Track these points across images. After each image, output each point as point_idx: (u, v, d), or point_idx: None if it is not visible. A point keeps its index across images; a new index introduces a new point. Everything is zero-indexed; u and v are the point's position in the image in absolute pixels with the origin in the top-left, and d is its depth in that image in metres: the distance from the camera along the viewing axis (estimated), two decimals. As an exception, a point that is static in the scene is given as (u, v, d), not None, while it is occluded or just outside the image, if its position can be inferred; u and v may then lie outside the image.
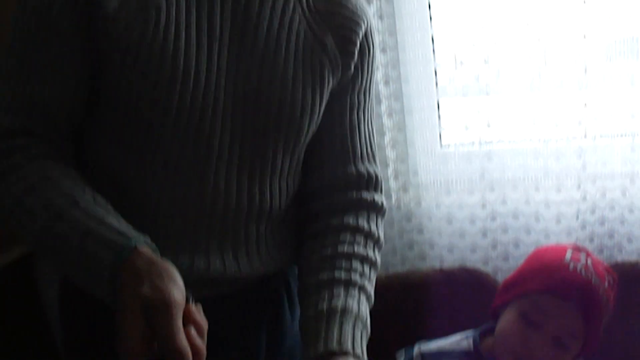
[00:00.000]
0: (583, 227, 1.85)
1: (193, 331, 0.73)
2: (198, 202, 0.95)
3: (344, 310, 0.91)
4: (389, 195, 1.99)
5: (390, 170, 1.99)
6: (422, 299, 1.81)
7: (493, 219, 2.00)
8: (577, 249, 1.42)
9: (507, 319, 1.38)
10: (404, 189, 2.04)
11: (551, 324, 1.31)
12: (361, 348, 0.89)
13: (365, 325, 0.94)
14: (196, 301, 0.81)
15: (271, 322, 1.20)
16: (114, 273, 0.74)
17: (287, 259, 1.13)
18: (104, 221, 0.79)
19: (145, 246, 0.76)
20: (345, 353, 0.86)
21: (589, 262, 1.39)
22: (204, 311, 1.08)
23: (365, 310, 0.95)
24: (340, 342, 0.87)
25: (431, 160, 2.01)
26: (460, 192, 1.99)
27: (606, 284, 1.38)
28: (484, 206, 1.98)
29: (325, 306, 0.92)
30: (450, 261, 1.96)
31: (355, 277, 0.96)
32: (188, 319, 0.73)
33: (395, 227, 2.04)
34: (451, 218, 2.01)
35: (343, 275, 0.96)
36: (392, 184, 2.00)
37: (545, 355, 1.34)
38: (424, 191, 2.03)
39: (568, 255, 1.39)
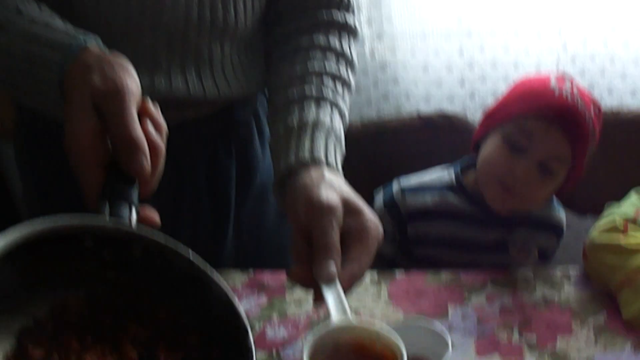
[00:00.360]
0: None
1: (150, 125, 0.67)
2: (156, 16, 0.88)
3: (316, 123, 0.86)
4: (363, 44, 1.91)
5: (363, 17, 1.90)
6: (399, 145, 1.76)
7: (471, 68, 1.93)
8: (562, 76, 1.37)
9: (490, 147, 1.33)
10: (379, 37, 1.95)
11: (537, 148, 1.27)
12: (335, 159, 0.83)
13: (339, 140, 0.88)
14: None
15: (240, 155, 1.14)
16: (63, 73, 0.68)
17: (255, 85, 1.08)
18: (50, 25, 0.73)
19: (96, 45, 0.70)
20: (318, 163, 0.80)
21: (575, 89, 1.33)
22: (169, 138, 1.04)
23: (338, 125, 0.90)
24: (312, 151, 0.81)
25: (406, 6, 1.92)
26: (436, 38, 1.91)
27: (592, 111, 1.33)
28: (461, 53, 1.91)
29: (295, 121, 0.87)
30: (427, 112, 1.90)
31: (327, 93, 0.91)
32: (144, 113, 0.67)
33: (370, 77, 1.97)
34: (427, 66, 1.95)
35: (314, 91, 0.91)
36: (366, 31, 1.92)
37: (531, 180, 1.30)
38: (399, 40, 1.94)
39: (553, 81, 1.34)
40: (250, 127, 1.09)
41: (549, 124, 1.28)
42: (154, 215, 0.70)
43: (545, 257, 1.43)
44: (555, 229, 1.42)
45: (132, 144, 0.64)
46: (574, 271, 1.24)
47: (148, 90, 0.94)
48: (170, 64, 0.92)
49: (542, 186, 1.31)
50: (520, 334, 1.12)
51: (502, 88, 1.81)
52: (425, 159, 1.56)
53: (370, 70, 1.95)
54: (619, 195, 1.30)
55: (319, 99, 0.90)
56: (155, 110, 0.71)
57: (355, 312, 1.18)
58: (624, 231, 1.19)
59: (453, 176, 1.42)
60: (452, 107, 1.93)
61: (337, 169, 0.82)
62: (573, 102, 1.30)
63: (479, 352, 1.08)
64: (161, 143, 0.70)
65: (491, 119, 1.37)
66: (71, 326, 0.63)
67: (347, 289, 0.70)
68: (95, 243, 0.65)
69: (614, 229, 1.20)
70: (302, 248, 0.74)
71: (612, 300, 1.16)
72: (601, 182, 1.78)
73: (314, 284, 0.70)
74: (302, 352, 0.66)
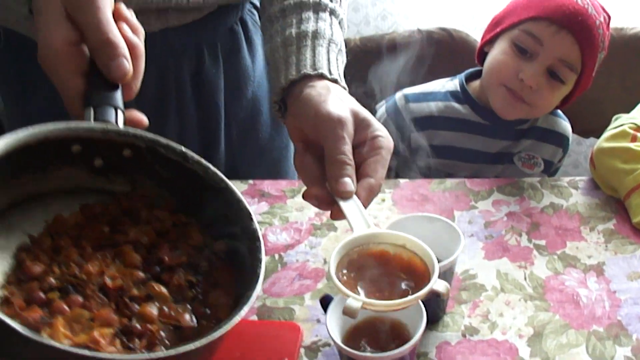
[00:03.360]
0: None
1: (126, 27, 0.64)
2: None
3: (316, 34, 0.82)
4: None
5: None
6: (398, 59, 1.70)
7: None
8: (572, -18, 1.31)
9: (497, 52, 1.29)
10: (378, -48, 1.89)
11: (546, 52, 1.23)
12: (338, 71, 0.80)
13: (340, 50, 0.84)
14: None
15: (228, 64, 1.10)
16: None
17: None
18: None
19: None
20: (321, 75, 0.76)
21: (585, -6, 1.28)
22: (153, 45, 0.99)
23: (338, 34, 0.85)
24: (314, 64, 0.77)
25: None
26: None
27: (602, 17, 1.28)
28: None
29: (293, 31, 0.82)
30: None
31: (325, 0, 0.85)
32: (119, 18, 0.64)
33: (368, -5, 1.91)
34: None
35: None
36: (365, -54, 1.85)
37: (539, 86, 1.26)
38: (399, -44, 1.88)
39: (563, -15, 1.28)
40: (237, 35, 1.05)
41: (558, 27, 1.23)
42: (141, 117, 0.68)
43: (550, 170, 1.40)
44: (561, 140, 1.39)
45: (110, 47, 0.63)
46: (581, 180, 1.21)
47: None
48: None
49: (550, 92, 1.28)
50: (529, 239, 1.09)
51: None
52: (426, 74, 1.51)
53: (368, -13, 1.88)
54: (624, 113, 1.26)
55: (317, 7, 0.86)
56: (130, 14, 0.68)
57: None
58: (634, 137, 1.16)
59: (457, 82, 1.38)
60: (452, 27, 1.87)
61: (341, 81, 0.79)
62: (583, 5, 1.25)
63: (488, 255, 1.06)
64: (140, 44, 0.67)
65: (498, 25, 1.32)
66: (69, 239, 0.62)
67: (365, 203, 0.68)
68: (83, 149, 0.64)
69: (623, 134, 1.17)
70: (311, 166, 0.71)
71: (621, 206, 1.14)
72: (604, 102, 1.75)
73: (331, 201, 0.68)
74: (328, 261, 0.63)
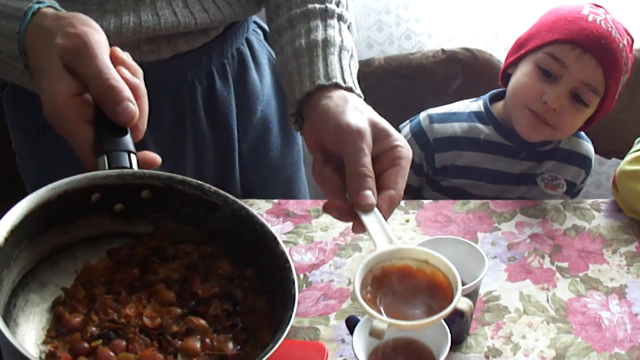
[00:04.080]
0: None
1: (124, 70, 0.65)
2: None
3: (326, 42, 0.81)
4: (386, -19, 1.87)
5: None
6: (423, 79, 1.73)
7: (496, 7, 1.90)
8: (595, 5, 1.33)
9: (521, 74, 1.30)
10: (402, -27, 1.91)
11: (569, 75, 1.24)
12: (352, 79, 0.79)
13: (352, 56, 0.83)
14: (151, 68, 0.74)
15: (238, 85, 1.12)
16: (23, 41, 0.67)
17: (245, 5, 1.02)
18: None
19: (49, 7, 0.68)
20: (336, 85, 0.76)
21: (608, 17, 1.30)
22: (166, 72, 0.99)
23: (348, 39, 0.85)
24: (327, 74, 0.77)
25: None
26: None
27: (625, 40, 1.29)
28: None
29: (303, 41, 0.82)
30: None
31: (332, 6, 0.86)
32: (116, 61, 0.65)
33: (392, 15, 1.93)
34: (451, 5, 1.89)
35: (317, 6, 0.85)
36: (389, -33, 1.87)
37: (562, 108, 1.27)
38: (423, -23, 1.90)
39: (586, 9, 1.30)
40: (244, 56, 1.07)
41: (582, 51, 1.25)
42: (154, 156, 0.69)
43: (573, 191, 1.40)
44: (584, 161, 1.39)
45: (114, 92, 0.62)
46: (604, 203, 1.22)
47: (136, 28, 0.92)
48: None
49: (573, 115, 1.29)
50: (552, 261, 1.10)
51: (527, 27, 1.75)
52: (450, 94, 1.53)
53: (392, 8, 1.90)
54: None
55: (325, 14, 0.85)
56: (126, 56, 0.69)
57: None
58: (656, 160, 1.17)
59: (481, 104, 1.40)
60: (475, 47, 1.88)
61: (356, 89, 0.78)
62: (607, 29, 1.26)
63: (511, 277, 1.07)
64: (141, 84, 0.68)
65: (522, 47, 1.34)
66: (102, 286, 0.62)
67: (386, 215, 0.68)
68: (103, 196, 0.64)
69: (645, 157, 1.17)
70: (331, 178, 0.71)
71: (643, 229, 1.14)
72: (627, 123, 1.75)
73: (352, 213, 0.68)
74: (352, 281, 0.63)
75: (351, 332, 0.84)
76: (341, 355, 0.94)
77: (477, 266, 0.91)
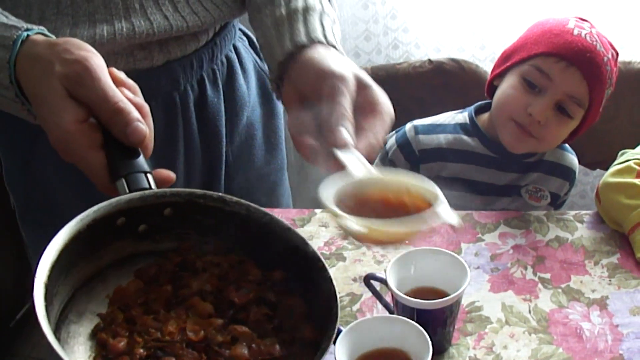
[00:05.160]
0: None
1: (126, 91, 0.65)
2: None
3: (306, 8, 0.78)
4: (374, -10, 1.88)
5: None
6: (410, 90, 1.74)
7: (482, 17, 1.91)
8: (580, 18, 1.34)
9: (507, 86, 1.31)
10: (390, -17, 1.92)
11: (554, 88, 1.25)
12: (335, 39, 0.76)
13: (334, 22, 0.81)
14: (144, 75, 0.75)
15: (227, 91, 1.14)
16: (14, 70, 0.66)
17: (232, 4, 1.01)
18: None
19: (38, 34, 0.68)
20: (318, 42, 0.73)
21: (594, 30, 1.31)
22: (159, 79, 1.00)
23: (329, 8, 0.82)
24: (308, 34, 0.74)
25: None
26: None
27: (610, 54, 1.31)
28: (473, 2, 1.88)
29: (283, 10, 0.79)
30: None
31: None
32: (116, 83, 0.64)
33: (380, 25, 1.94)
34: (438, 15, 1.91)
35: None
36: (378, -23, 1.88)
37: (547, 120, 1.28)
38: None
39: (572, 22, 1.32)
40: (233, 62, 1.07)
41: (567, 64, 1.26)
42: (169, 174, 0.69)
43: (557, 202, 1.42)
44: (568, 173, 1.41)
45: (123, 114, 0.62)
46: (586, 214, 1.23)
47: (129, 35, 0.92)
48: (143, 3, 0.90)
49: (558, 127, 1.30)
50: (534, 272, 1.11)
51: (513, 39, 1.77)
52: (436, 104, 1.54)
53: (380, 17, 1.91)
54: (630, 147, 1.28)
55: None
56: (124, 76, 0.69)
57: (366, 247, 1.17)
58: (639, 173, 1.18)
59: (467, 115, 1.41)
60: (462, 57, 1.90)
61: (339, 48, 0.75)
62: (592, 42, 1.28)
63: (493, 288, 1.08)
64: (144, 103, 0.68)
65: (508, 59, 1.35)
66: (138, 307, 0.62)
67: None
68: (127, 220, 0.64)
69: (628, 170, 1.19)
70: (308, 123, 0.67)
71: (625, 241, 1.16)
72: (611, 134, 1.77)
73: (328, 153, 0.64)
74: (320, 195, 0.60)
75: (334, 342, 0.84)
76: (324, 365, 0.94)
77: (460, 277, 0.92)
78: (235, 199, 0.69)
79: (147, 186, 0.63)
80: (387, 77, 1.73)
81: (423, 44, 1.93)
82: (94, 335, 0.61)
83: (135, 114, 0.63)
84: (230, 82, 1.13)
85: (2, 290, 2.24)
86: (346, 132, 0.63)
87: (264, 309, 0.65)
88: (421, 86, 1.72)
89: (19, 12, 0.88)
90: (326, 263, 0.67)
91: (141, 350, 0.57)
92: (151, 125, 0.68)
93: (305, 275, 0.68)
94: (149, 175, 0.64)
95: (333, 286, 0.65)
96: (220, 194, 0.66)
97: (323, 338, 0.59)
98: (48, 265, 0.58)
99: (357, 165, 0.62)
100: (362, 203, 0.61)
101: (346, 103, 0.65)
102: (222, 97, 1.11)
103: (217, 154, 1.14)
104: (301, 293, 0.68)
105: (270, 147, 1.23)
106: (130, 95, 0.67)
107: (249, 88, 1.17)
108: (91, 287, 0.66)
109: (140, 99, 0.68)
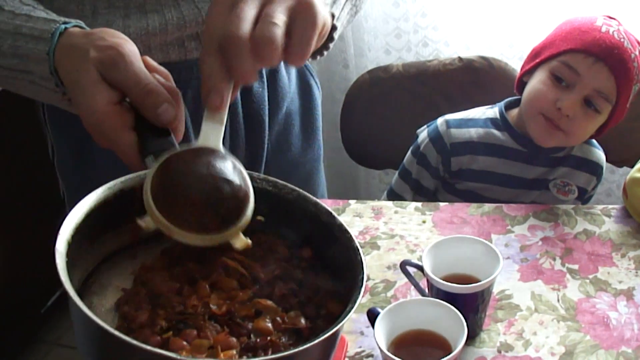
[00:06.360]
0: None
1: (158, 76, 0.66)
2: None
3: None
4: (404, -12, 1.91)
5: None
6: (439, 86, 1.77)
7: (512, 16, 1.93)
8: (608, 17, 1.37)
9: (536, 82, 1.35)
10: (420, -18, 1.95)
11: (582, 83, 1.25)
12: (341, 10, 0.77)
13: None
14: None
15: (270, 80, 1.17)
16: (53, 62, 0.68)
17: None
18: (31, 16, 0.72)
19: (76, 27, 0.70)
20: None
21: (621, 28, 1.34)
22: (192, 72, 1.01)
23: None
24: None
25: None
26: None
27: (637, 51, 1.34)
28: (503, 1, 1.91)
29: None
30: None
31: None
32: (149, 69, 0.66)
33: (410, 23, 1.97)
34: (468, 13, 1.93)
35: None
36: (407, -24, 1.92)
37: (576, 115, 1.31)
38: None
39: (600, 20, 1.34)
40: None
41: (595, 60, 1.29)
42: None
43: (584, 197, 1.45)
44: (595, 168, 1.43)
45: (154, 95, 0.64)
46: (614, 209, 1.26)
47: (179, 25, 0.96)
48: None
49: (586, 121, 1.33)
50: (563, 263, 1.14)
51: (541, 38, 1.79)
52: (465, 101, 1.57)
53: (411, 16, 1.95)
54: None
55: None
56: (156, 64, 0.71)
57: (400, 237, 1.21)
58: (666, 168, 1.21)
59: (497, 110, 1.44)
60: (491, 55, 1.93)
61: (338, 19, 0.75)
62: (619, 39, 1.31)
63: (523, 277, 1.11)
64: (176, 88, 0.70)
65: (537, 56, 1.38)
66: (162, 282, 0.62)
67: (298, 63, 0.65)
68: None
69: (655, 165, 1.21)
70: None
71: (652, 234, 1.18)
72: (637, 132, 1.79)
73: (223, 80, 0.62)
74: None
75: (372, 323, 0.88)
76: (360, 347, 0.99)
77: (492, 264, 0.95)
78: (262, 175, 0.70)
79: None
80: (418, 73, 1.76)
81: (452, 42, 1.96)
82: (116, 308, 0.61)
83: (165, 95, 0.64)
84: (273, 72, 1.17)
85: (35, 277, 2.28)
86: (223, 94, 0.63)
87: (290, 284, 0.64)
88: (451, 83, 1.76)
89: (71, 7, 0.92)
90: (352, 234, 0.67)
91: (163, 323, 0.57)
92: (182, 110, 0.70)
93: (333, 249, 0.68)
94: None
95: (360, 255, 0.65)
96: (248, 171, 0.65)
97: (348, 303, 0.58)
98: (71, 226, 0.58)
99: (211, 133, 0.63)
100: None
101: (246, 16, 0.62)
102: (266, 86, 1.15)
103: (260, 142, 1.18)
104: (328, 269, 0.69)
105: (307, 137, 1.27)
106: (162, 80, 0.69)
107: (289, 79, 1.21)
108: (116, 262, 0.67)
109: (172, 84, 0.70)
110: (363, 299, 1.05)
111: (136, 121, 0.64)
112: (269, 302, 0.62)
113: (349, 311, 0.60)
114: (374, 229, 1.22)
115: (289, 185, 0.71)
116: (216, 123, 0.63)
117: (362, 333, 1.00)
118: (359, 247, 0.66)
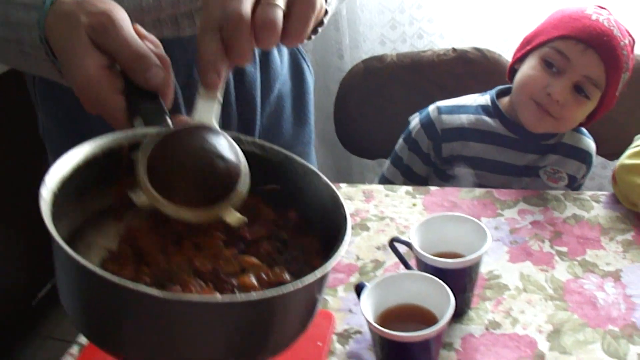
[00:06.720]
0: None
1: (148, 44, 0.66)
2: None
3: None
4: (400, -19, 1.92)
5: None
6: (434, 76, 1.78)
7: (507, 9, 1.95)
8: (599, 6, 1.39)
9: (527, 68, 1.36)
10: (416, -26, 1.97)
11: (572, 69, 1.27)
12: None
13: None
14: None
15: (263, 61, 1.18)
16: (44, 29, 0.68)
17: None
18: None
19: None
20: None
21: (611, 17, 1.36)
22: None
23: None
24: None
25: None
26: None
27: (627, 40, 1.35)
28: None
29: None
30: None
31: None
32: (140, 36, 0.66)
33: (406, 15, 1.98)
34: (463, 6, 1.95)
35: None
36: (404, -32, 1.93)
37: (566, 100, 1.33)
38: (437, -21, 1.95)
39: (590, 9, 1.36)
40: None
41: (585, 46, 1.30)
42: (188, 120, 0.70)
43: (574, 185, 1.46)
44: (585, 156, 1.45)
45: (143, 59, 0.64)
46: (603, 195, 1.27)
47: (173, 2, 0.96)
48: None
49: (576, 107, 1.34)
50: (552, 245, 1.15)
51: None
52: (459, 92, 1.59)
53: (406, 7, 1.96)
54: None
55: None
56: (146, 32, 0.71)
57: (390, 219, 1.22)
58: (655, 155, 1.22)
59: (488, 98, 1.45)
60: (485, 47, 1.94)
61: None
62: (609, 27, 1.32)
63: (512, 259, 1.12)
64: (165, 55, 0.70)
65: (528, 43, 1.40)
66: (148, 241, 0.62)
67: (294, 44, 0.66)
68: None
69: (644, 152, 1.23)
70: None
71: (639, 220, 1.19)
72: (630, 126, 1.80)
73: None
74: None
75: (359, 296, 0.89)
76: (348, 324, 1.00)
77: (480, 242, 0.96)
78: (251, 138, 0.70)
79: (164, 123, 0.63)
80: (412, 64, 1.77)
81: (447, 35, 1.98)
82: (100, 266, 0.60)
83: (154, 59, 0.64)
84: (265, 54, 1.17)
85: (24, 269, 2.27)
86: (219, 73, 0.64)
87: (275, 243, 0.64)
88: (445, 74, 1.77)
89: None
90: (341, 196, 0.68)
91: (147, 279, 0.57)
92: (171, 77, 0.70)
93: (319, 209, 0.68)
94: (166, 116, 0.64)
95: (345, 210, 0.65)
96: (235, 133, 0.65)
97: (330, 254, 0.58)
98: (57, 178, 0.58)
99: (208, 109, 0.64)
100: None
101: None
102: (258, 68, 1.16)
103: (252, 124, 1.19)
104: (315, 231, 0.69)
105: (299, 121, 1.28)
106: (152, 47, 0.69)
107: (282, 61, 1.22)
108: (102, 223, 0.66)
109: (161, 51, 0.70)
110: (352, 278, 1.06)
111: (126, 86, 0.64)
112: (254, 259, 0.62)
113: (332, 256, 0.60)
114: (364, 211, 1.23)
115: (276, 147, 0.71)
116: (211, 101, 0.64)
117: (350, 311, 1.01)
118: (343, 204, 0.66)
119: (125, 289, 0.50)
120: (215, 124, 0.66)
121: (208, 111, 0.66)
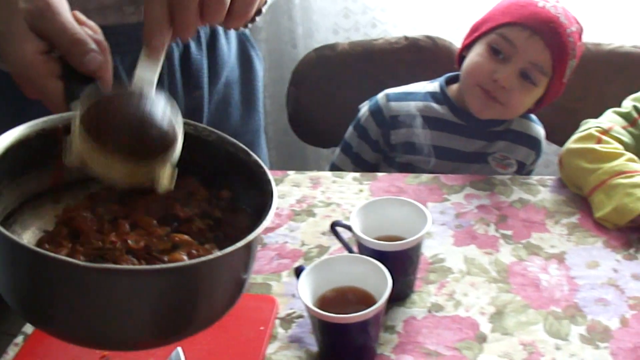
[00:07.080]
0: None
1: (86, 29, 0.67)
2: None
3: None
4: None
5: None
6: (386, 65, 1.78)
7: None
8: (547, -6, 1.39)
9: (474, 54, 1.37)
10: (369, -38, 1.96)
11: (519, 55, 1.28)
12: None
13: None
14: None
15: (210, 49, 1.17)
16: None
17: None
18: None
19: None
20: None
21: (558, 5, 1.37)
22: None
23: None
24: None
25: None
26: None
27: (574, 27, 1.36)
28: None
29: None
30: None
31: None
32: (78, 22, 0.67)
33: (359, 3, 1.98)
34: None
35: None
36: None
37: (512, 87, 1.33)
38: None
39: (539, -4, 1.37)
40: None
41: (531, 32, 1.31)
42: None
43: (523, 172, 1.47)
44: (534, 143, 1.46)
45: (81, 44, 0.65)
46: (549, 179, 1.28)
47: None
48: None
49: (522, 93, 1.35)
50: (497, 229, 1.16)
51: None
52: (411, 80, 1.59)
53: (360, -5, 1.96)
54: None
55: None
56: (85, 18, 0.72)
57: (337, 204, 1.21)
58: (599, 139, 1.23)
59: (437, 85, 1.46)
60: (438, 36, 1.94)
61: None
62: (555, 14, 1.33)
63: (456, 242, 1.12)
64: (103, 40, 0.71)
65: (476, 30, 1.40)
66: (83, 220, 0.63)
67: (236, 25, 0.68)
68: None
69: (589, 137, 1.24)
70: None
71: (585, 204, 1.20)
72: (580, 113, 1.82)
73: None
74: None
75: (298, 278, 0.88)
76: (291, 309, 0.99)
77: (421, 225, 0.96)
78: (181, 119, 0.70)
79: None
80: (364, 52, 1.77)
81: (400, 24, 1.98)
82: (37, 245, 0.61)
83: (92, 45, 0.65)
84: (212, 41, 1.17)
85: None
86: (163, 36, 0.66)
87: (207, 222, 0.67)
88: (397, 62, 1.77)
89: None
90: (266, 168, 0.70)
91: (81, 257, 0.58)
92: (109, 61, 0.70)
93: (250, 188, 0.69)
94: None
95: (272, 187, 0.67)
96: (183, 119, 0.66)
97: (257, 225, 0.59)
98: None
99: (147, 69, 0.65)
100: None
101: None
102: (205, 54, 1.15)
103: (199, 111, 1.18)
104: (246, 209, 0.71)
105: (247, 108, 1.27)
106: (90, 32, 0.70)
107: (229, 49, 1.21)
108: (39, 205, 0.67)
109: (100, 37, 0.71)
110: (297, 264, 1.06)
111: (64, 70, 0.65)
112: (186, 237, 0.63)
113: (255, 229, 0.61)
114: (311, 198, 1.23)
115: (208, 127, 0.72)
116: (154, 64, 0.65)
117: (293, 295, 1.01)
118: (271, 179, 0.68)
119: (47, 257, 0.50)
120: (154, 83, 0.67)
121: (149, 73, 0.67)
